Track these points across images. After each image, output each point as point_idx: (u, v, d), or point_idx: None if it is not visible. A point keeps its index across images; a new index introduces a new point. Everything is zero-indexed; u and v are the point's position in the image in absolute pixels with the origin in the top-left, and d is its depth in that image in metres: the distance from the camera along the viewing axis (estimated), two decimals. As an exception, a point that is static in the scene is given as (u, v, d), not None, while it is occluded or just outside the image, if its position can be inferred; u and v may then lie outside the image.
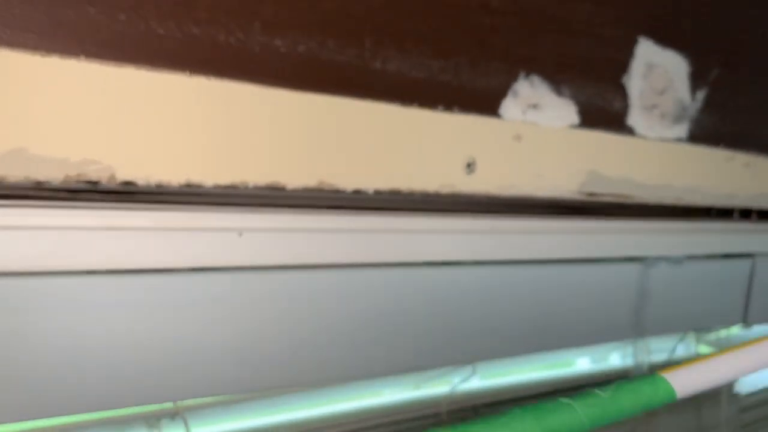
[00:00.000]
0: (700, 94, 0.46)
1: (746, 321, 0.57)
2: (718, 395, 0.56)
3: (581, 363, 0.53)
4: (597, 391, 0.29)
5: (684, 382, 0.30)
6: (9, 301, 0.24)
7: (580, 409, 0.27)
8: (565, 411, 0.27)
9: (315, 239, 0.29)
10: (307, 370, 0.31)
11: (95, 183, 0.24)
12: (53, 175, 0.23)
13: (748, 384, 0.61)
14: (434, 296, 0.35)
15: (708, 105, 0.46)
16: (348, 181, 0.30)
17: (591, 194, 0.40)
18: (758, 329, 0.61)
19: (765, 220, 0.56)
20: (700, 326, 0.55)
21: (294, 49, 0.28)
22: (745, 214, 0.56)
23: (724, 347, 0.59)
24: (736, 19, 0.47)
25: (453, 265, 0.35)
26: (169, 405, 0.31)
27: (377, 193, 0.31)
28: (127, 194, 0.26)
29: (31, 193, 0.23)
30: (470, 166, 0.34)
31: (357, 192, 0.31)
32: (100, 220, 0.25)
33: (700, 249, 0.50)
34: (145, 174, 0.25)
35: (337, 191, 0.30)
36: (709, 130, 0.47)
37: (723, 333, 0.62)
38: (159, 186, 0.25)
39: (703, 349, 0.62)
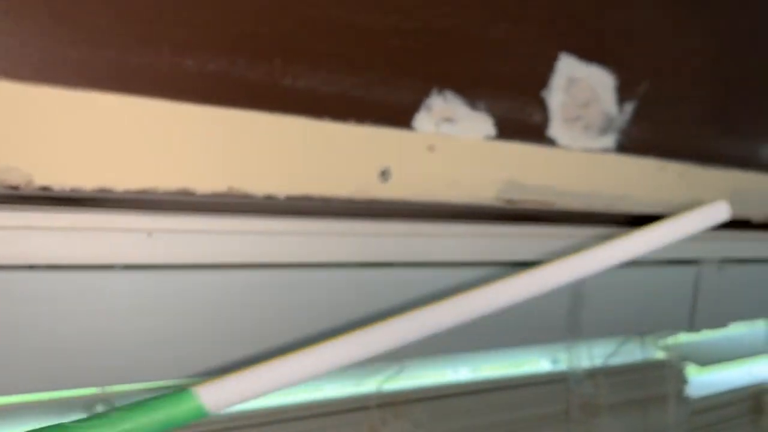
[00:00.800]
0: (629, 107, 0.48)
1: (693, 327, 0.59)
2: (665, 397, 0.58)
3: (515, 365, 0.55)
4: (112, 409, 0.27)
5: (216, 396, 0.28)
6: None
7: None
8: None
9: (222, 240, 0.33)
10: (216, 362, 0.34)
11: (16, 188, 0.28)
12: (-26, 180, 0.27)
13: (699, 387, 0.63)
14: (345, 297, 0.38)
15: (638, 116, 0.49)
16: (259, 187, 0.33)
17: (510, 201, 0.42)
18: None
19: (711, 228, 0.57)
20: (643, 331, 0.57)
21: (204, 68, 0.31)
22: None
23: (677, 353, 0.61)
24: (665, 33, 0.49)
25: (364, 266, 0.38)
26: (94, 390, 0.34)
27: (289, 198, 0.34)
28: (45, 198, 0.29)
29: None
30: (384, 174, 0.37)
31: (268, 197, 0.34)
32: (20, 220, 0.28)
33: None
34: (60, 180, 0.28)
35: (248, 196, 0.33)
36: (639, 140, 0.49)
37: (677, 338, 0.63)
38: (73, 190, 0.29)
39: (658, 354, 0.64)
